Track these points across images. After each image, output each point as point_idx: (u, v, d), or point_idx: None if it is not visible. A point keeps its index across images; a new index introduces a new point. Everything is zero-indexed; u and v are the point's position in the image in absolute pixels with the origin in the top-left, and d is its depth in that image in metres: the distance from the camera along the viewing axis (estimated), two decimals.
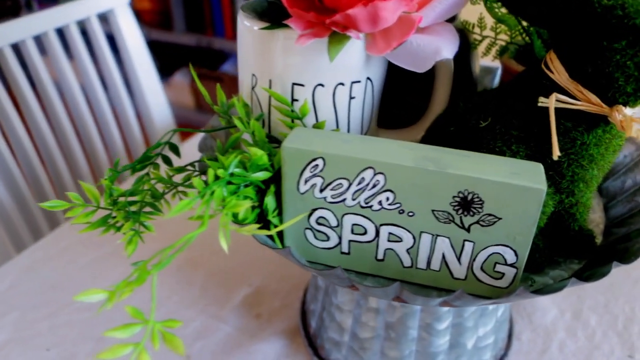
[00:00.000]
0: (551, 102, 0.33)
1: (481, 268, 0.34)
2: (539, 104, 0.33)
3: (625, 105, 0.33)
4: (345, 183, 0.33)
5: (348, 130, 0.38)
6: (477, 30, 0.43)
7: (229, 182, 0.33)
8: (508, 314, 0.49)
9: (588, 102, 0.33)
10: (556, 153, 0.31)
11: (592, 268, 0.36)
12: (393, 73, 0.40)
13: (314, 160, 0.33)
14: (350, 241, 0.35)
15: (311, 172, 0.34)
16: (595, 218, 0.41)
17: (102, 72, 0.92)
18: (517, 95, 0.35)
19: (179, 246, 0.30)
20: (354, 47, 0.34)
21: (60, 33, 0.86)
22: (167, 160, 0.39)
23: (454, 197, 0.32)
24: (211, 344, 0.48)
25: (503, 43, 0.42)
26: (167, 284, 0.54)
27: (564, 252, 0.38)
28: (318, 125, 0.37)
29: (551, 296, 0.53)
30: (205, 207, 0.31)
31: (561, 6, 0.33)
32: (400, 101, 0.43)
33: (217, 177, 0.32)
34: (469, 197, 0.32)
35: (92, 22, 0.88)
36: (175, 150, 0.39)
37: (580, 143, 0.34)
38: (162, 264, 0.29)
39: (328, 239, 0.36)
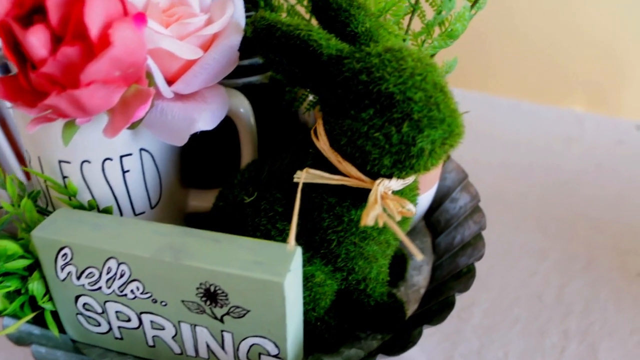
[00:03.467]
0: (301, 178, 0.30)
1: (247, 358, 0.31)
2: (294, 180, 0.30)
3: (390, 177, 0.29)
4: (96, 272, 0.31)
5: (130, 204, 0.36)
6: None
7: None
8: None
9: (349, 175, 0.30)
10: (291, 244, 0.28)
11: (392, 344, 0.33)
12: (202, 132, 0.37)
13: (62, 249, 0.31)
14: (119, 327, 0.33)
15: (63, 260, 0.32)
16: (419, 281, 0.38)
17: None
18: (285, 164, 0.32)
19: None
20: (103, 123, 0.32)
21: None
22: None
23: (197, 288, 0.29)
24: None
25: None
26: None
27: (369, 326, 0.35)
28: (90, 203, 0.35)
29: (420, 343, 0.49)
30: None
31: (310, 68, 0.30)
32: (213, 160, 0.41)
33: None
34: (212, 288, 0.29)
35: None
36: None
37: (348, 220, 0.30)
38: None
39: (99, 324, 0.34)
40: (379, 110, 0.27)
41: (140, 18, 0.28)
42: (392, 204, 0.28)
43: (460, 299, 0.50)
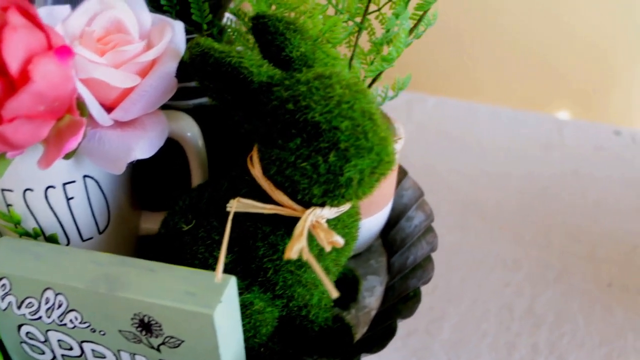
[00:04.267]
0: (232, 208, 0.29)
1: None
2: (227, 209, 0.30)
3: (323, 205, 0.29)
4: (35, 302, 0.31)
5: (77, 230, 0.36)
6: None
7: None
8: None
9: (282, 204, 0.29)
10: (219, 276, 0.27)
11: None
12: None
13: (1, 279, 0.31)
14: (62, 355, 0.33)
15: (3, 290, 0.32)
16: (370, 302, 0.37)
17: None
18: (222, 192, 0.32)
19: None
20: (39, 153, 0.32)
21: None
22: None
23: (132, 318, 0.29)
24: None
25: None
26: None
27: (316, 351, 0.35)
28: (35, 231, 0.35)
29: (387, 358, 0.49)
30: None
31: (241, 95, 0.29)
32: (167, 180, 0.41)
33: None
34: (145, 319, 0.29)
35: None
36: None
37: (283, 248, 0.30)
38: None
39: (43, 352, 0.34)
40: (306, 140, 0.27)
41: (63, 51, 0.27)
42: (322, 234, 0.28)
43: (431, 312, 0.50)
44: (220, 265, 0.27)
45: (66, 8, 0.33)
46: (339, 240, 0.27)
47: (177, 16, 0.36)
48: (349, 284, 0.37)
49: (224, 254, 0.28)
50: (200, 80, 0.31)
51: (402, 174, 0.43)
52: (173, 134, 0.36)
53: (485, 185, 0.66)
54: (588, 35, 0.91)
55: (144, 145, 0.32)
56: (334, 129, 0.26)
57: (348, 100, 0.27)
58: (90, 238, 0.36)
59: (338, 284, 0.37)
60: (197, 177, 0.38)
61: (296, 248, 0.26)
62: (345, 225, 0.31)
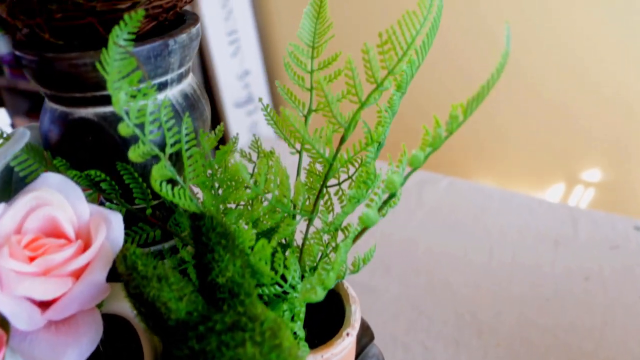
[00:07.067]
0: None
1: None
2: None
3: None
4: None
5: None
6: None
7: None
8: None
9: None
10: None
11: None
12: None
13: None
14: None
15: None
16: None
17: None
18: None
19: None
20: None
21: None
22: None
23: None
24: None
25: None
26: None
27: None
28: None
29: None
30: None
31: (160, 328, 0.28)
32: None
33: None
34: None
35: None
36: None
37: None
38: None
39: None
40: None
41: None
42: None
43: None
44: None
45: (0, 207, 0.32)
46: None
47: (122, 197, 0.35)
48: None
49: None
50: (128, 295, 0.30)
51: (369, 338, 0.41)
52: (118, 313, 0.36)
53: (487, 291, 0.62)
54: (614, 94, 0.84)
55: (72, 355, 0.31)
56: None
57: None
58: None
59: None
60: (147, 354, 0.37)
61: None
62: None
